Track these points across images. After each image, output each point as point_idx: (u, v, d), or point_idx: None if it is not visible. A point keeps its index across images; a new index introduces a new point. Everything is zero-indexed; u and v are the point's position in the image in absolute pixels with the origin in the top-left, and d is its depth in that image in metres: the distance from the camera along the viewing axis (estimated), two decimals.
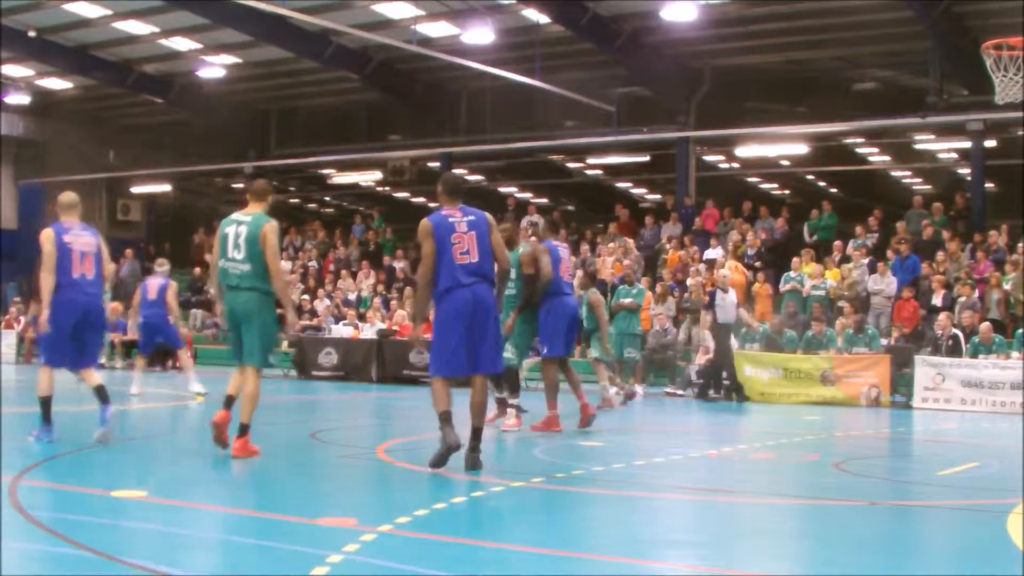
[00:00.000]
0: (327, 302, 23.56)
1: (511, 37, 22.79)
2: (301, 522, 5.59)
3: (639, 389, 16.16)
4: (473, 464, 7.38)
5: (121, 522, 5.59)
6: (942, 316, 16.43)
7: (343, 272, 25.67)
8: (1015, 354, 15.54)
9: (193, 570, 4.63)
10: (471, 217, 7.56)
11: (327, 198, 38.43)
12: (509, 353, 10.10)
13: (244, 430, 7.83)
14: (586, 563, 5.04)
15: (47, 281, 8.31)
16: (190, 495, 6.70)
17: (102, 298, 8.87)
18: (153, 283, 14.24)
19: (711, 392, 16.39)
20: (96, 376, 8.73)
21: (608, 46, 22.84)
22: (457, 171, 29.63)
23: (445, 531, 5.50)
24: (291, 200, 39.22)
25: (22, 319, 25.99)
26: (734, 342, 16.64)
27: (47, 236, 8.42)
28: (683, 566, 5.05)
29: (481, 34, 22.20)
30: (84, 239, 8.61)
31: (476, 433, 7.48)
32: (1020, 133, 22.08)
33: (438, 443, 7.30)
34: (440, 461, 7.24)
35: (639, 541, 5.59)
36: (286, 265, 27.04)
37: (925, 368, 15.62)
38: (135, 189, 33.80)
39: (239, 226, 7.97)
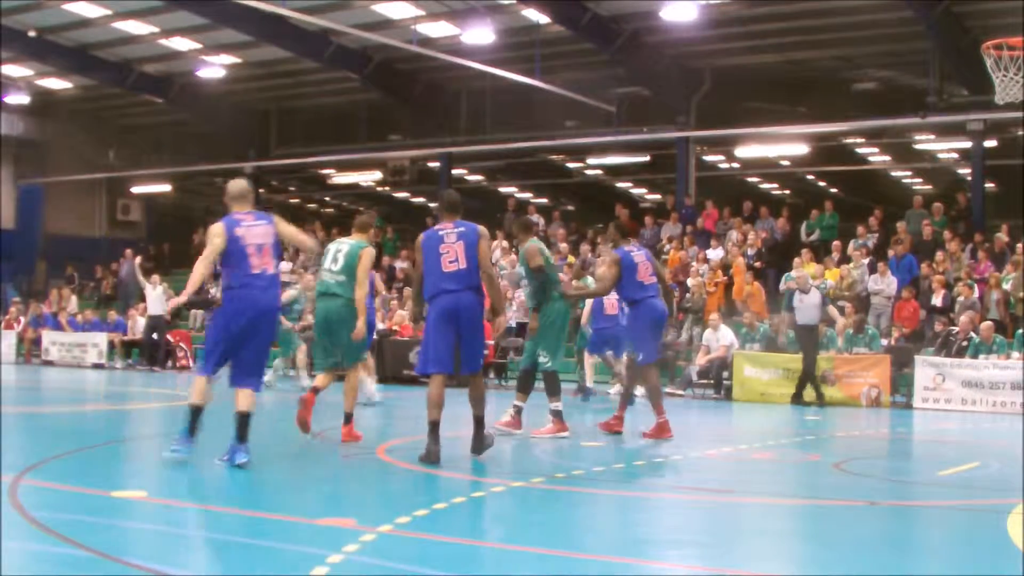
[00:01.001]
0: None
1: (511, 37, 22.78)
2: (301, 522, 5.59)
3: (639, 389, 16.17)
4: (478, 448, 8.18)
5: (121, 522, 5.59)
6: (964, 318, 16.35)
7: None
8: (1015, 354, 15.54)
9: (193, 570, 4.63)
10: (461, 229, 8.14)
11: (327, 198, 38.42)
12: (543, 357, 10.11)
13: (348, 418, 9.36)
14: (586, 563, 5.04)
15: (201, 269, 7.49)
16: (190, 495, 6.71)
17: (279, 298, 7.97)
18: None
19: (712, 392, 16.40)
20: (248, 400, 7.58)
21: (608, 46, 22.83)
22: (457, 171, 29.78)
23: (445, 531, 5.50)
24: (291, 200, 39.22)
25: (22, 319, 25.99)
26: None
27: (214, 229, 7.48)
28: (683, 566, 5.05)
29: (481, 34, 22.19)
30: (258, 229, 7.62)
31: (479, 421, 8.23)
32: (1020, 133, 22.06)
33: (442, 443, 7.32)
34: (426, 460, 7.78)
35: (639, 541, 5.59)
36: (286, 266, 27.06)
37: (925, 368, 15.62)
38: (135, 189, 33.80)
39: (341, 245, 9.41)
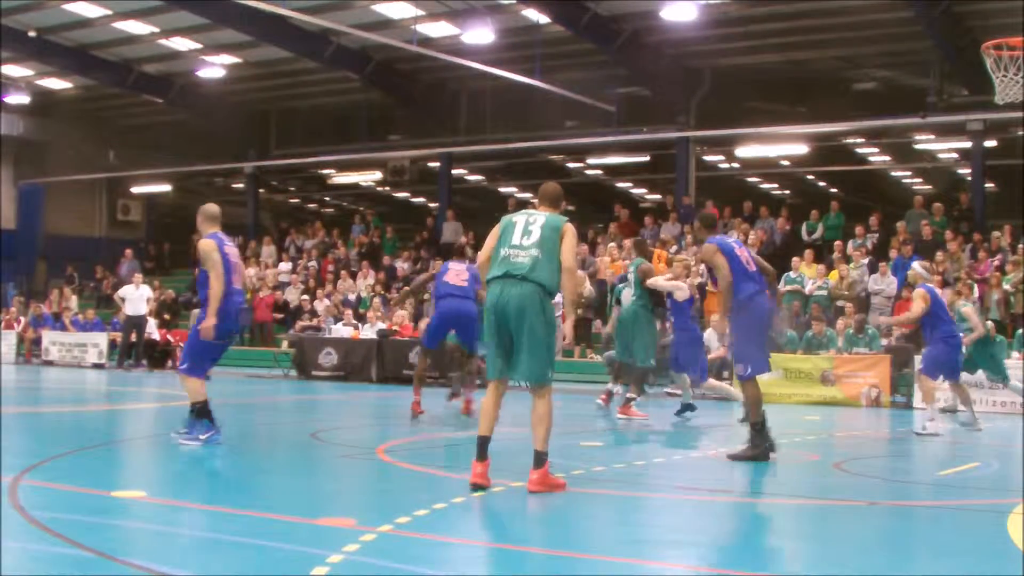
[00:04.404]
0: (327, 302, 23.56)
1: (511, 37, 22.79)
2: (301, 522, 5.58)
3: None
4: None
5: (121, 522, 5.59)
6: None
7: (343, 272, 25.68)
8: (1015, 354, 15.54)
9: (193, 570, 4.63)
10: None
11: (327, 198, 38.43)
12: (640, 354, 11.48)
13: (541, 459, 6.52)
14: (586, 563, 5.04)
15: (217, 288, 8.30)
16: (190, 495, 6.71)
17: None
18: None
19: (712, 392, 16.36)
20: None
21: (608, 46, 22.85)
22: (457, 171, 29.79)
23: (445, 531, 5.50)
24: (291, 200, 39.22)
25: (22, 319, 25.99)
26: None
27: (211, 245, 8.37)
28: (683, 566, 5.05)
29: (481, 34, 22.20)
30: (234, 250, 8.75)
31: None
32: (1020, 133, 22.07)
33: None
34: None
35: (639, 541, 5.59)
36: (286, 266, 27.06)
37: None
38: (135, 189, 33.82)
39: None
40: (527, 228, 6.69)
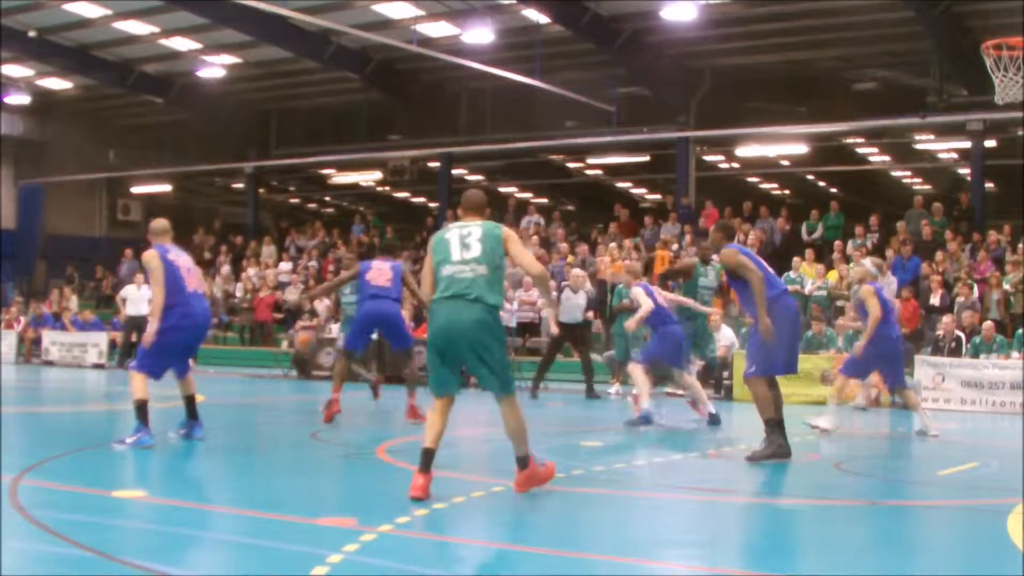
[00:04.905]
0: (327, 302, 23.54)
1: (511, 37, 22.80)
2: (301, 522, 5.58)
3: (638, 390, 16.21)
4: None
5: (121, 522, 5.59)
6: (946, 318, 16.40)
7: (343, 272, 25.64)
8: (1015, 354, 15.54)
9: (193, 570, 4.63)
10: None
11: (327, 198, 38.43)
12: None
13: (524, 462, 6.54)
14: (586, 563, 5.04)
15: (159, 297, 8.46)
16: (190, 495, 6.71)
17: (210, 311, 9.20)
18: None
19: (712, 392, 16.37)
20: (194, 384, 8.98)
21: (608, 46, 22.84)
22: (457, 171, 29.78)
23: (445, 531, 5.50)
24: (291, 200, 39.21)
25: (22, 319, 25.98)
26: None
27: (150, 255, 8.59)
28: (683, 566, 5.05)
29: (481, 34, 22.20)
30: (184, 257, 8.91)
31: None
32: (1020, 133, 22.07)
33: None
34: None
35: (639, 541, 5.59)
36: (286, 266, 27.06)
37: (925, 368, 15.61)
38: (135, 189, 33.81)
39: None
40: (464, 242, 6.40)
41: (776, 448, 8.44)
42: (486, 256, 6.35)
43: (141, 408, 8.42)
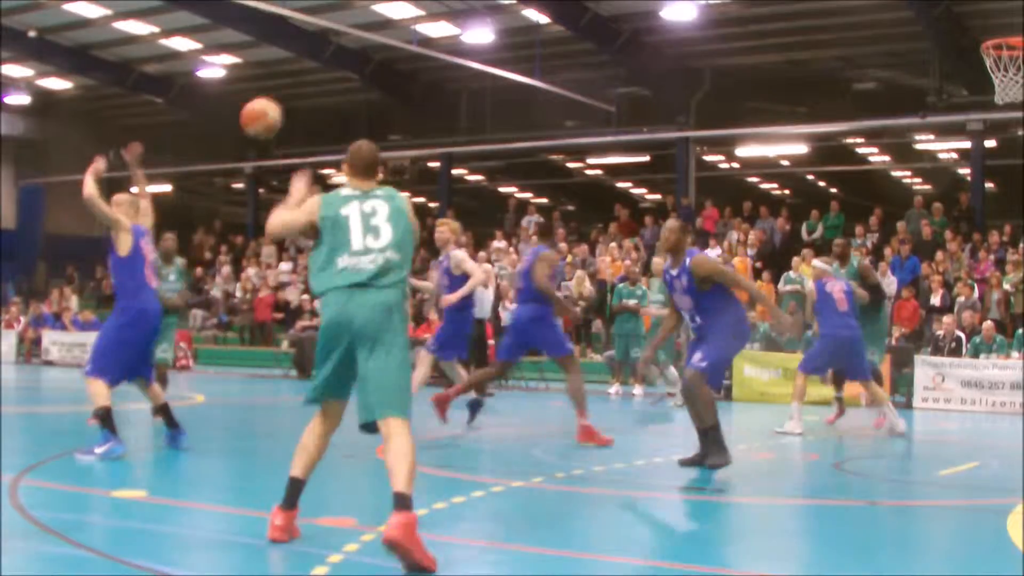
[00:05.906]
0: None
1: (511, 37, 22.80)
2: (301, 522, 5.58)
3: (638, 390, 16.26)
4: None
5: (121, 522, 5.59)
6: (946, 319, 16.39)
7: None
8: (1015, 354, 15.54)
9: (193, 570, 4.63)
10: None
11: None
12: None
13: (406, 502, 4.98)
14: (586, 563, 5.04)
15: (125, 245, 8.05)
16: (190, 495, 6.71)
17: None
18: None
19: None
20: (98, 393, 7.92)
21: (608, 46, 22.85)
22: (457, 171, 29.76)
23: (445, 531, 5.50)
24: None
25: (22, 319, 25.97)
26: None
27: (126, 224, 8.22)
28: (683, 566, 5.04)
29: (481, 34, 22.21)
30: (151, 248, 8.40)
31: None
32: (1020, 133, 22.08)
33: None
34: None
35: (639, 541, 5.59)
36: (286, 266, 27.06)
37: (925, 368, 15.61)
38: (135, 189, 33.75)
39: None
40: (369, 224, 5.12)
41: (725, 455, 7.84)
42: (401, 243, 5.12)
43: (105, 416, 7.68)
